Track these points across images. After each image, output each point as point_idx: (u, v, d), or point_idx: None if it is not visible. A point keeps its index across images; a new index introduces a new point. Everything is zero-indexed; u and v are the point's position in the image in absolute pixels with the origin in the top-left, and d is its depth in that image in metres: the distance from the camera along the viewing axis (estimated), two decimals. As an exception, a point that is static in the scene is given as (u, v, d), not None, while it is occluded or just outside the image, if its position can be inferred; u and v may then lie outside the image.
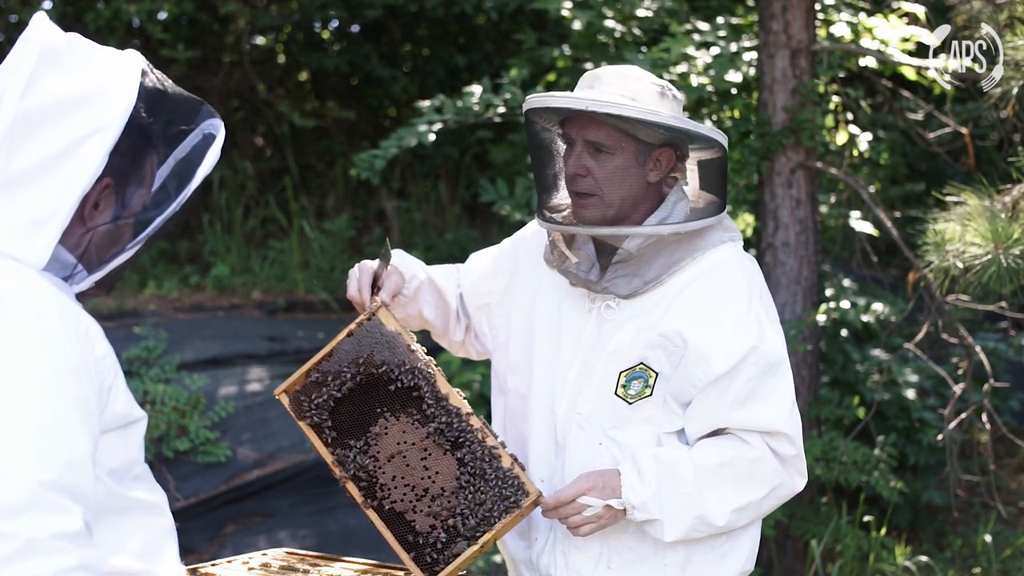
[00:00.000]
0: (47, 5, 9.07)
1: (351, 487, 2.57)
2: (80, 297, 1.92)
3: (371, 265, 2.69)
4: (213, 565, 2.86)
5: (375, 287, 2.67)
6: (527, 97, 2.60)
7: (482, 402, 6.02)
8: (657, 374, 2.53)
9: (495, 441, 2.51)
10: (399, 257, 2.76)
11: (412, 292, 2.75)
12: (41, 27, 1.89)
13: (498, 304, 2.81)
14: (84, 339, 1.81)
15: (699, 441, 2.55)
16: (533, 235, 2.80)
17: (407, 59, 10.03)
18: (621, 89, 2.52)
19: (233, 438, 6.48)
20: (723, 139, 2.54)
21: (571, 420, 2.61)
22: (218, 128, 2.03)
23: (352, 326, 2.61)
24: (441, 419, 2.51)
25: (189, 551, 5.83)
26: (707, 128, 2.54)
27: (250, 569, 2.82)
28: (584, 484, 2.49)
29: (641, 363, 2.54)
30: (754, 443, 2.51)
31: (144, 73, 1.94)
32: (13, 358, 1.72)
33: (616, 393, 2.55)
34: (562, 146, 2.65)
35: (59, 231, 1.83)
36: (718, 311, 2.51)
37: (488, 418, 2.79)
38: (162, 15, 8.85)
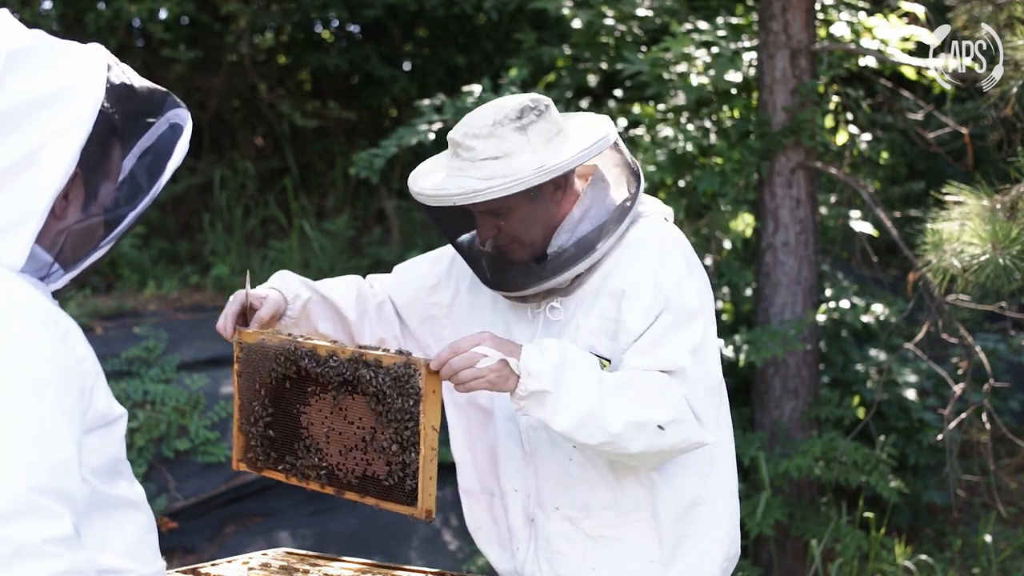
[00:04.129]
0: (47, 5, 9.06)
1: (324, 490, 2.60)
2: (55, 295, 1.93)
3: (241, 296, 2.67)
4: (213, 565, 2.87)
5: (250, 315, 2.66)
6: (409, 182, 2.60)
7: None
8: (609, 362, 2.53)
9: (374, 352, 2.46)
10: (280, 280, 2.73)
11: (297, 312, 2.72)
12: (5, 26, 1.87)
13: (445, 316, 2.82)
14: (65, 341, 1.82)
15: None
16: None
17: (407, 59, 10.03)
18: (484, 150, 2.49)
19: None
20: (589, 154, 2.51)
21: (535, 427, 2.62)
22: (184, 119, 2.03)
23: (236, 367, 2.66)
24: (328, 374, 2.51)
25: (189, 551, 5.83)
26: (570, 159, 2.49)
27: (250, 569, 2.83)
28: (483, 337, 2.40)
29: (590, 352, 2.53)
30: (660, 376, 2.46)
31: (109, 68, 1.94)
32: None
33: None
34: (463, 212, 2.64)
35: (34, 232, 1.83)
36: (636, 283, 2.53)
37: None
38: (163, 15, 8.85)
